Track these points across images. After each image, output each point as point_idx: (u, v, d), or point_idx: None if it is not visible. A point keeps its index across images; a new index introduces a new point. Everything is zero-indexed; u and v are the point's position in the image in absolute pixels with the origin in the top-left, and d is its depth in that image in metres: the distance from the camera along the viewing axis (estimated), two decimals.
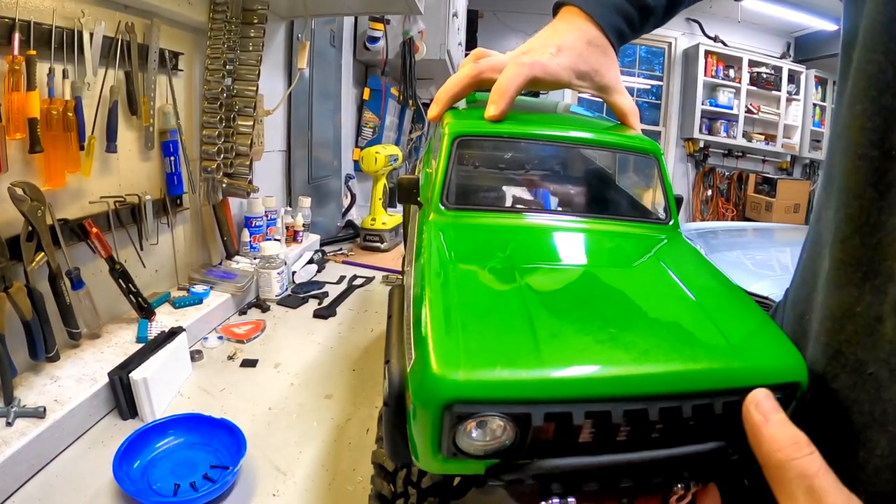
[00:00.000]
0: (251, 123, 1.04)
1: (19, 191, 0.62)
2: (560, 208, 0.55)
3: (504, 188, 0.60)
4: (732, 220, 5.03)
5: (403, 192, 0.55)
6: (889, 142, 0.29)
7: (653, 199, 0.55)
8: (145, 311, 0.83)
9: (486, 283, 0.38)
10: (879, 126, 0.29)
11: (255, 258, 1.15)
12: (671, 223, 0.53)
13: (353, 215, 1.85)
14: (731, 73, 4.76)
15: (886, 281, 0.29)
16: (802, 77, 4.79)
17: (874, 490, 0.29)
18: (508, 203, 0.56)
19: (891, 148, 0.28)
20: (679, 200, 0.54)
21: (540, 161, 0.62)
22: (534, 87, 0.49)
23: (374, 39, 1.87)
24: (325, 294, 1.16)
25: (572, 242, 0.48)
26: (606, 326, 0.33)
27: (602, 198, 0.60)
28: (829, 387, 0.33)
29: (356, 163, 1.99)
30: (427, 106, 2.99)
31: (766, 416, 0.29)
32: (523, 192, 0.59)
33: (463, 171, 0.55)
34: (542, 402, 0.29)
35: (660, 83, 5.08)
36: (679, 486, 0.32)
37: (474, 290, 0.37)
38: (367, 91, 2.03)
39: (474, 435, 0.29)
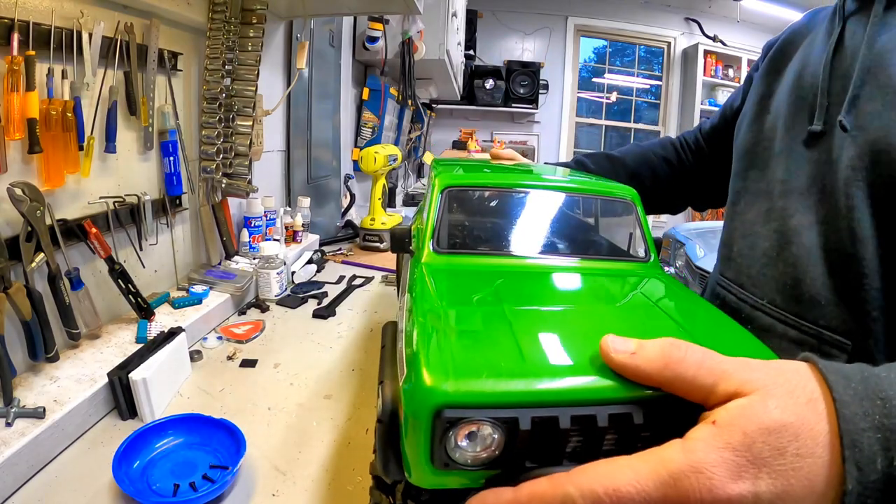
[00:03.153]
0: (250, 123, 1.05)
1: (18, 191, 0.62)
2: (547, 252, 0.57)
3: (492, 234, 0.63)
4: None
5: (396, 242, 0.58)
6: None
7: (633, 240, 0.59)
8: (145, 311, 0.83)
9: (475, 313, 0.41)
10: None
11: (254, 258, 1.15)
12: (651, 260, 0.56)
13: (353, 215, 1.85)
14: (731, 72, 4.77)
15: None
16: None
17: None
18: (497, 248, 0.58)
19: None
20: (658, 243, 0.58)
21: (527, 211, 0.65)
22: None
23: (374, 39, 1.87)
24: (325, 294, 1.16)
25: (560, 282, 0.51)
26: (592, 343, 0.34)
27: (586, 242, 0.63)
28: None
29: (355, 163, 1.99)
30: (427, 106, 2.99)
31: (627, 350, 0.30)
32: (512, 238, 0.62)
33: (452, 219, 0.59)
34: (529, 406, 0.30)
35: (659, 83, 5.08)
36: None
37: (463, 317, 0.39)
38: (366, 91, 2.03)
39: (464, 444, 0.30)
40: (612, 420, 0.30)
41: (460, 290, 0.46)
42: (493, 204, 0.65)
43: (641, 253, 0.57)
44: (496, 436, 0.30)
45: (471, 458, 0.30)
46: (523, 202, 0.63)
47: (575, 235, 0.62)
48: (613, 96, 5.13)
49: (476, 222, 0.64)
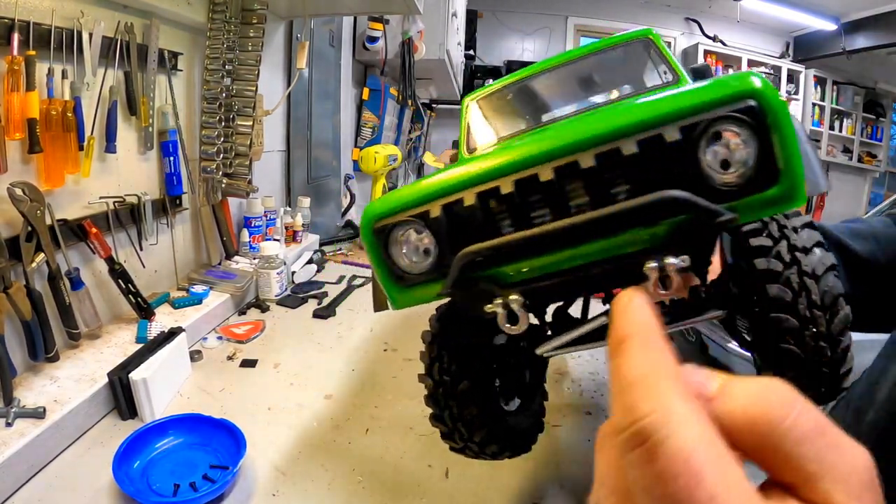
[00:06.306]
0: (250, 123, 1.04)
1: (19, 191, 0.62)
2: (575, 111, 0.65)
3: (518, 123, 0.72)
4: None
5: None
6: None
7: (657, 71, 0.63)
8: (145, 311, 0.83)
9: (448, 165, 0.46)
10: None
11: (254, 258, 1.15)
12: (678, 80, 0.59)
13: (353, 215, 1.85)
14: (731, 72, 4.77)
15: None
16: (801, 77, 4.79)
17: None
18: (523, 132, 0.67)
19: None
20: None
21: (546, 94, 0.75)
22: None
23: (374, 39, 1.87)
24: (325, 294, 1.16)
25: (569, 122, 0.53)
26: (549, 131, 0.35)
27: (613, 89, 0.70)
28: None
29: (355, 163, 1.99)
30: (427, 106, 2.99)
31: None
32: (534, 121, 0.71)
33: (487, 117, 0.71)
34: (438, 197, 0.33)
35: None
36: (651, 264, 0.27)
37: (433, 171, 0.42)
38: (366, 91, 2.03)
39: (405, 251, 0.35)
40: (517, 187, 0.31)
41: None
42: (515, 99, 0.74)
43: (670, 77, 0.60)
44: (424, 235, 0.34)
45: (408, 265, 0.35)
46: (537, 92, 0.72)
47: (601, 90, 0.69)
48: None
49: (505, 120, 0.73)
